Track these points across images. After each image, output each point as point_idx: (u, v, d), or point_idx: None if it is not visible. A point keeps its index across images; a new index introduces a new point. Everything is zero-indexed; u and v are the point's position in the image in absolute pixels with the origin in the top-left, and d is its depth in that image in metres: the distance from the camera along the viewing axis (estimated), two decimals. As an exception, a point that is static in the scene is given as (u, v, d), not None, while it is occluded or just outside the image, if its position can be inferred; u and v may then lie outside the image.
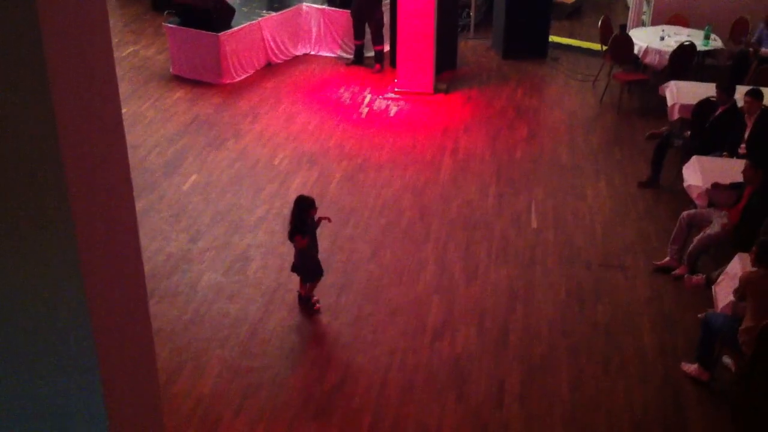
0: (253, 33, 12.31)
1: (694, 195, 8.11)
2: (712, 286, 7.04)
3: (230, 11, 12.06)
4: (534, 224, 8.65)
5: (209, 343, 6.89)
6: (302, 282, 7.29)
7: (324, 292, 7.47)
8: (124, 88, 11.57)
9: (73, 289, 2.69)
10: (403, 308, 7.36)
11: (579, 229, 8.60)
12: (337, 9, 12.89)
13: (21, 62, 2.37)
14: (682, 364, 6.69)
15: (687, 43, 11.14)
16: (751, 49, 11.38)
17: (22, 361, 2.86)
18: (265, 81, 12.19)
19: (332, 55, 13.13)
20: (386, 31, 12.64)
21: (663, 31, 11.88)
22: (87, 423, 2.95)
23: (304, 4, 13.11)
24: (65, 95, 2.48)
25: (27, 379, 2.89)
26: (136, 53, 13.20)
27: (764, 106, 8.84)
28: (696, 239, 7.72)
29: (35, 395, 2.92)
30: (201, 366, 6.64)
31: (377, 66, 12.55)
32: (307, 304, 7.28)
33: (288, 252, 7.31)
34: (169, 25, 12.22)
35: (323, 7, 13.02)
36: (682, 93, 9.96)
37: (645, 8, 13.43)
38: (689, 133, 9.31)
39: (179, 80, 12.15)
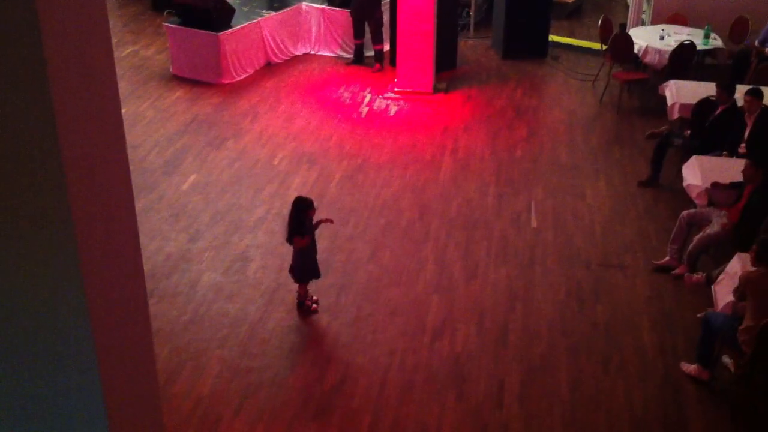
0: (252, 32, 12.31)
1: (693, 194, 8.11)
2: (712, 286, 7.04)
3: (230, 11, 12.05)
4: (534, 224, 8.65)
5: (209, 343, 6.89)
6: (295, 281, 7.26)
7: (323, 292, 7.47)
8: (123, 88, 11.56)
9: (72, 289, 2.69)
10: (402, 308, 7.36)
11: (579, 228, 8.60)
12: (337, 8, 12.88)
13: (21, 62, 2.37)
14: (682, 364, 6.69)
15: (687, 42, 11.14)
16: (753, 50, 11.37)
17: (22, 362, 2.86)
18: (264, 81, 12.19)
19: (332, 54, 13.13)
20: (386, 31, 12.64)
21: (663, 30, 11.88)
22: (87, 423, 2.95)
23: (304, 3, 13.11)
24: (65, 95, 2.48)
25: (27, 379, 2.89)
26: (136, 53, 13.19)
27: (764, 105, 8.84)
28: (696, 239, 7.72)
29: (35, 395, 2.92)
30: (200, 366, 6.64)
31: (377, 65, 12.55)
32: (301, 307, 7.27)
33: (287, 252, 7.31)
34: (169, 24, 12.22)
35: (323, 6, 13.02)
36: (682, 92, 9.96)
37: (645, 7, 13.43)
38: (689, 132, 9.31)
39: (179, 80, 12.14)
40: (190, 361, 6.69)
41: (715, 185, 7.82)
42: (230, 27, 11.96)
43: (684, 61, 11.13)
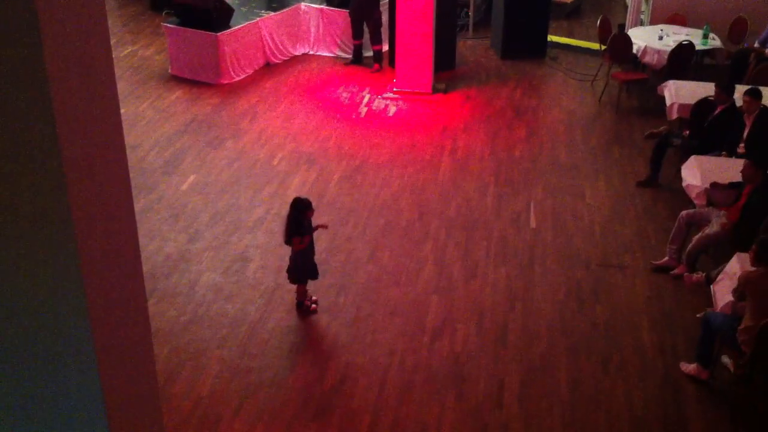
0: (251, 33, 12.31)
1: (692, 194, 8.11)
2: (711, 286, 7.04)
3: (229, 11, 12.05)
4: (533, 224, 8.65)
5: (208, 344, 6.89)
6: (290, 282, 7.26)
7: (323, 293, 7.47)
8: (122, 88, 11.57)
9: (72, 289, 2.69)
10: (402, 308, 7.35)
11: (578, 228, 8.60)
12: (336, 9, 12.88)
13: (20, 62, 2.37)
14: (681, 364, 6.69)
15: (686, 42, 11.15)
16: (752, 52, 11.37)
17: (22, 362, 2.86)
18: (263, 81, 12.19)
19: (331, 54, 13.13)
20: (385, 31, 12.64)
21: (662, 30, 11.88)
22: (87, 423, 2.95)
23: (303, 3, 13.11)
24: (64, 95, 2.48)
25: (27, 379, 2.89)
26: (135, 53, 13.19)
27: (763, 105, 8.85)
28: (695, 239, 7.73)
29: (35, 396, 2.92)
30: (200, 366, 6.64)
31: (376, 66, 12.55)
32: (300, 308, 7.27)
33: (287, 252, 7.30)
34: (168, 25, 12.22)
35: (322, 6, 13.02)
36: (681, 92, 9.96)
37: (644, 7, 13.43)
38: (688, 132, 9.32)
39: (178, 80, 12.14)
40: (189, 362, 6.68)
41: (714, 185, 7.83)
42: (229, 27, 11.96)
43: (683, 62, 11.14)
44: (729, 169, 8.07)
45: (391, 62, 12.35)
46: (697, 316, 7.08)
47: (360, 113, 11.21)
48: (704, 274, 7.53)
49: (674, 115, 9.85)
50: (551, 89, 12.25)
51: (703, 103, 9.22)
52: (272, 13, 12.69)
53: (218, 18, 11.83)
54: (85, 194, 2.64)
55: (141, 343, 3.23)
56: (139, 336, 3.19)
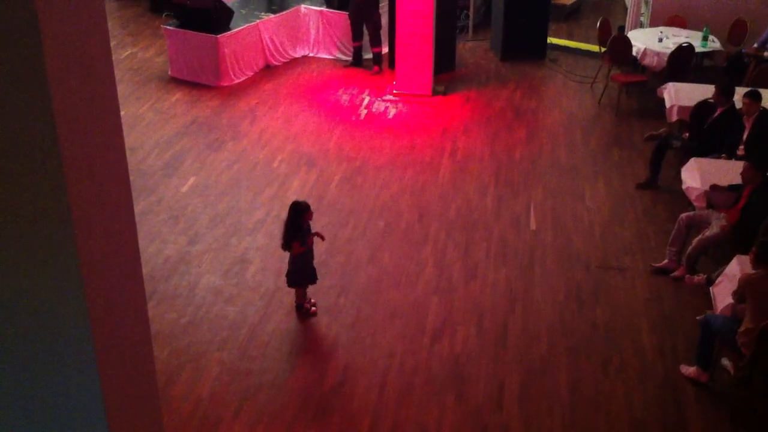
0: (251, 35, 12.32)
1: (692, 197, 8.11)
2: (711, 287, 7.04)
3: (229, 13, 12.06)
4: (533, 226, 8.65)
5: (208, 346, 6.88)
6: (288, 286, 7.24)
7: (323, 294, 7.47)
8: (122, 90, 11.57)
9: (72, 291, 2.68)
10: (402, 310, 7.35)
11: (578, 230, 8.60)
12: (336, 11, 12.89)
13: (20, 64, 2.37)
14: (681, 366, 6.69)
15: (685, 44, 11.15)
16: (751, 55, 11.39)
17: (21, 364, 2.85)
18: (263, 83, 12.20)
19: (331, 57, 13.13)
20: (384, 33, 12.65)
21: (661, 32, 11.90)
22: (86, 425, 2.95)
23: (303, 5, 13.12)
24: (64, 98, 2.48)
25: (27, 381, 2.89)
26: (135, 55, 13.20)
27: (763, 107, 8.85)
28: (695, 241, 7.73)
29: (35, 398, 2.91)
30: (200, 368, 6.64)
31: (375, 68, 12.56)
32: (300, 311, 7.27)
33: (287, 255, 7.30)
34: (168, 27, 12.23)
35: (322, 8, 13.02)
36: (681, 94, 9.97)
37: (643, 9, 13.44)
38: (688, 134, 9.32)
39: (178, 82, 12.15)
40: (189, 364, 6.68)
41: (714, 187, 7.83)
42: (229, 29, 11.97)
43: (682, 64, 11.15)
44: (729, 171, 8.07)
45: (391, 64, 12.36)
46: (697, 318, 7.08)
47: (360, 115, 11.22)
48: (705, 276, 7.53)
49: (674, 117, 9.86)
50: (551, 91, 12.26)
51: (703, 106, 9.22)
52: (272, 15, 12.70)
53: (218, 20, 11.84)
54: (85, 195, 2.64)
55: (141, 345, 3.22)
56: (138, 338, 3.19)
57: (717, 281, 6.95)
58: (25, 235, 2.61)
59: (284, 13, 12.89)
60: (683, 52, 11.09)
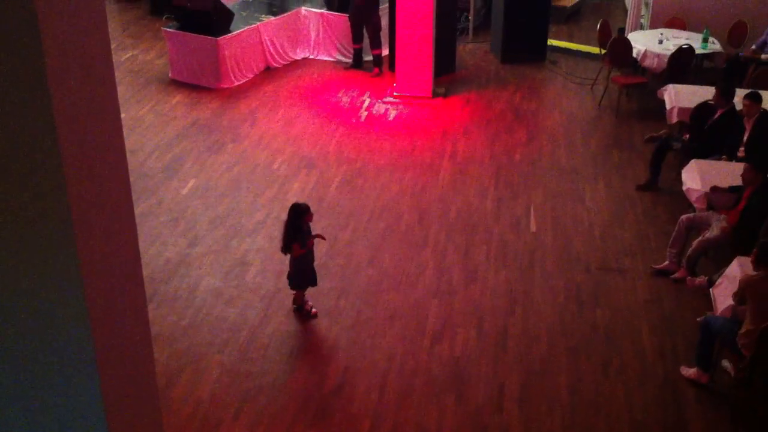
0: (252, 37, 12.32)
1: (693, 198, 8.11)
2: (711, 289, 7.04)
3: (229, 15, 12.06)
4: (533, 228, 8.65)
5: (208, 348, 6.88)
6: (290, 287, 7.26)
7: (323, 296, 7.47)
8: (122, 93, 11.57)
9: (72, 294, 2.69)
10: (402, 312, 7.35)
11: (578, 232, 8.60)
12: (336, 13, 12.89)
13: (21, 66, 2.38)
14: (682, 367, 6.68)
15: (685, 46, 11.15)
16: (746, 57, 11.40)
17: (22, 366, 2.85)
18: (264, 85, 12.20)
19: (331, 59, 13.14)
20: (384, 35, 12.65)
21: (661, 34, 11.90)
22: (86, 427, 2.95)
23: (303, 8, 13.13)
24: (64, 100, 2.48)
25: (27, 384, 2.89)
26: (135, 57, 13.20)
27: (763, 109, 8.85)
28: (695, 243, 7.73)
29: (35, 400, 2.92)
30: (200, 370, 6.64)
31: (376, 70, 12.56)
32: (300, 312, 7.27)
33: (287, 257, 7.30)
34: (168, 29, 12.23)
35: (322, 11, 13.03)
36: (681, 96, 9.97)
37: (643, 11, 13.44)
38: (688, 136, 9.32)
39: (178, 84, 12.15)
40: (189, 366, 6.68)
41: (714, 189, 7.83)
42: (229, 31, 11.97)
43: (683, 65, 11.15)
44: (729, 173, 8.07)
45: (391, 66, 12.36)
46: (698, 320, 7.08)
47: (360, 117, 11.22)
48: (706, 278, 7.53)
49: (674, 119, 9.85)
50: (551, 93, 12.26)
51: (703, 107, 9.22)
52: (272, 18, 12.70)
53: (218, 22, 11.84)
54: (85, 198, 2.64)
55: (141, 347, 3.23)
56: (138, 340, 3.19)
57: (717, 282, 6.95)
58: (25, 235, 2.61)
59: (284, 15, 12.90)
60: (683, 53, 11.09)
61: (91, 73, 2.64)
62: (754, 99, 8.73)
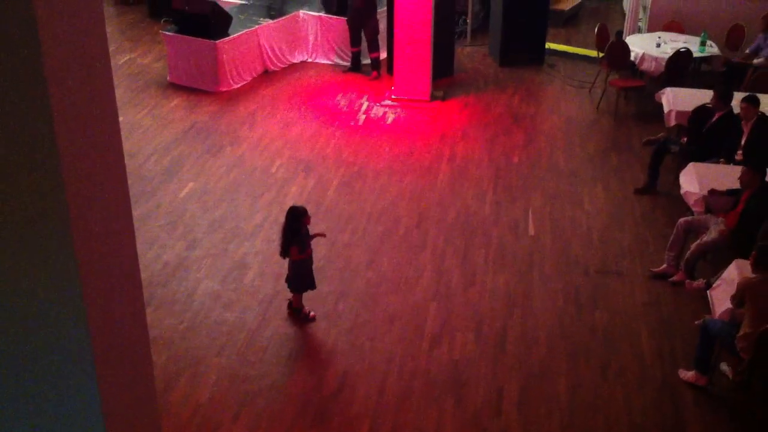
0: (250, 40, 12.33)
1: (691, 201, 8.12)
2: (709, 292, 7.05)
3: (227, 18, 12.07)
4: (532, 231, 8.65)
5: (206, 351, 6.88)
6: (291, 291, 7.27)
7: (321, 300, 7.46)
8: (121, 96, 11.57)
9: (70, 297, 2.68)
10: (400, 315, 7.35)
11: (576, 235, 8.61)
12: (334, 16, 12.90)
13: (19, 69, 2.38)
14: (680, 371, 6.68)
15: (683, 49, 11.17)
16: (739, 63, 11.43)
17: (19, 369, 2.85)
18: (262, 88, 12.21)
19: (329, 62, 13.15)
20: (382, 38, 12.67)
21: (659, 37, 11.92)
22: (84, 431, 2.94)
23: (301, 11, 13.14)
24: (63, 103, 2.48)
25: (23, 387, 2.88)
26: (133, 61, 13.21)
27: (761, 112, 8.87)
28: (693, 246, 7.73)
29: (33, 403, 2.91)
30: (198, 374, 6.63)
31: (374, 73, 12.57)
32: (299, 315, 7.26)
33: (285, 260, 7.30)
34: (167, 32, 12.24)
35: (320, 14, 13.04)
36: (679, 99, 9.98)
37: (641, 15, 13.47)
38: (686, 139, 9.33)
39: (176, 88, 12.15)
40: (188, 369, 6.67)
41: (712, 192, 7.84)
42: (227, 35, 11.98)
43: (680, 69, 11.17)
44: (727, 176, 8.08)
45: (390, 69, 12.37)
46: (696, 322, 7.08)
47: (358, 120, 11.23)
48: (704, 281, 7.53)
49: (672, 122, 9.86)
50: (549, 96, 12.28)
51: (701, 110, 9.23)
52: (270, 21, 12.72)
53: (217, 25, 11.85)
54: (83, 201, 2.64)
55: (139, 350, 3.22)
56: (137, 343, 3.19)
57: (715, 285, 6.96)
58: (23, 237, 2.60)
59: (283, 18, 12.91)
60: (681, 57, 11.11)
61: (90, 73, 2.64)
62: (751, 102, 8.75)
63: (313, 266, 7.28)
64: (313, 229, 7.26)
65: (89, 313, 2.72)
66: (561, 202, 9.23)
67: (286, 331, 7.13)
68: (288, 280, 7.23)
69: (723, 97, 8.93)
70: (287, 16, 13.00)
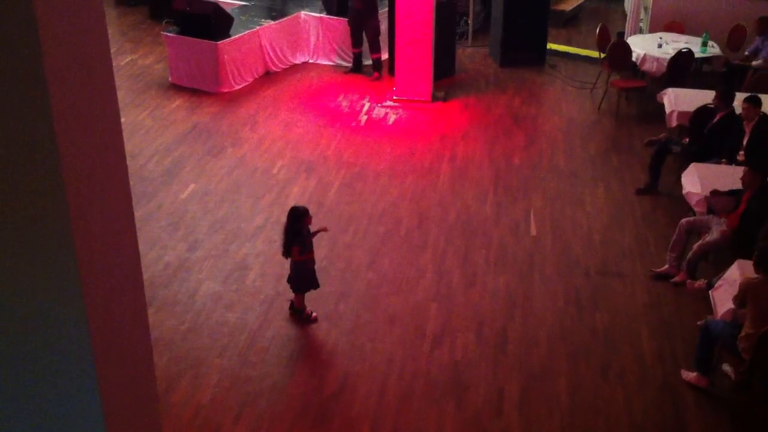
0: (251, 41, 12.34)
1: (692, 202, 8.12)
2: (710, 292, 7.04)
3: (229, 20, 12.08)
4: (533, 231, 8.65)
5: (208, 352, 6.88)
6: (293, 291, 7.28)
7: (322, 300, 7.46)
8: (122, 97, 11.58)
9: (71, 298, 2.68)
10: (401, 316, 7.35)
11: (577, 236, 8.60)
12: (335, 17, 12.91)
13: (19, 70, 2.38)
14: (682, 371, 6.68)
15: (685, 50, 11.17)
16: (738, 65, 11.44)
17: (19, 370, 2.85)
18: (263, 89, 12.21)
19: (330, 63, 13.16)
20: (384, 39, 12.67)
21: (661, 38, 11.91)
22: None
23: (303, 12, 13.15)
24: (63, 104, 2.48)
25: (24, 388, 2.88)
26: (135, 62, 13.22)
27: (762, 112, 8.86)
28: (695, 246, 7.73)
29: (33, 404, 2.91)
30: (200, 375, 6.63)
31: (375, 74, 12.57)
32: (300, 316, 7.27)
33: (286, 260, 7.30)
34: (168, 33, 12.25)
35: (321, 15, 13.05)
36: (680, 100, 9.98)
37: (643, 15, 13.46)
38: (687, 139, 9.33)
39: (178, 89, 12.16)
40: (189, 370, 6.68)
41: (714, 192, 7.83)
42: (229, 36, 11.99)
43: (682, 69, 11.17)
44: (728, 176, 8.08)
45: (391, 70, 12.38)
46: (698, 323, 7.07)
47: (360, 121, 11.23)
48: (706, 281, 7.53)
49: (674, 123, 9.86)
50: (550, 97, 12.27)
51: (703, 111, 9.23)
52: (272, 22, 12.72)
53: (218, 27, 11.86)
54: (84, 203, 2.64)
55: (140, 351, 3.22)
56: (138, 344, 3.19)
57: (717, 286, 6.95)
58: (23, 238, 2.61)
59: (284, 19, 12.92)
60: (682, 57, 11.11)
61: (91, 73, 2.64)
62: (753, 102, 8.75)
63: (315, 267, 7.28)
64: (314, 229, 7.25)
65: (89, 313, 2.72)
66: (562, 202, 9.23)
67: (287, 332, 7.13)
68: (290, 280, 7.23)
69: (725, 98, 8.93)
70: (288, 17, 13.01)
